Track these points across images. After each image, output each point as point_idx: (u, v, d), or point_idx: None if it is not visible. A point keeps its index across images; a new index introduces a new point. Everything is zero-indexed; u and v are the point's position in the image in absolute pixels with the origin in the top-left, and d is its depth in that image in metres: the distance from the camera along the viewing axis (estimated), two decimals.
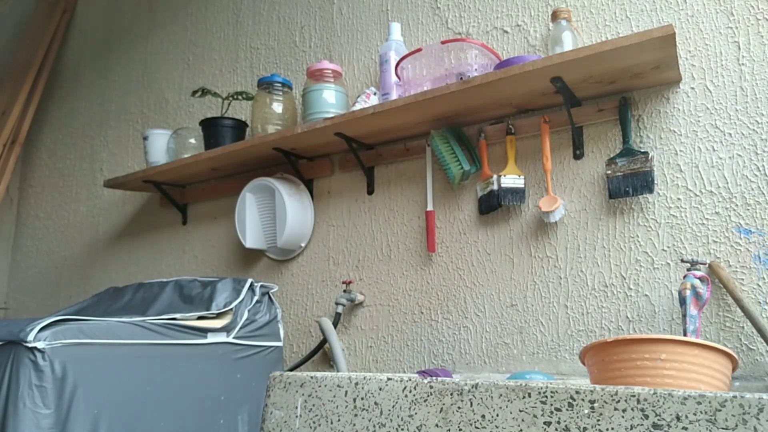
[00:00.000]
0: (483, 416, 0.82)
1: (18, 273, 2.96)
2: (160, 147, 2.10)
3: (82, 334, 1.25)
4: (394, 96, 1.65)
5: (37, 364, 1.17)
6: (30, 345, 1.16)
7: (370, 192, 1.81)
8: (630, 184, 1.36)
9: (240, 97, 1.98)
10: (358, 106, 1.69)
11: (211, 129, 1.95)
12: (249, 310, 1.60)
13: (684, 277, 1.22)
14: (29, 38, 3.00)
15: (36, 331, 1.18)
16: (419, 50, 1.56)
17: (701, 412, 0.69)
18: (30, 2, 3.16)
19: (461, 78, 1.49)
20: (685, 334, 1.17)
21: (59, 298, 2.71)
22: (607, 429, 0.74)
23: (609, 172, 1.39)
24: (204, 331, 1.48)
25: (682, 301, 1.19)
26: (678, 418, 0.71)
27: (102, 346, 1.28)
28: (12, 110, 2.79)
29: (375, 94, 1.73)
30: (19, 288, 2.94)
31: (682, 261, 1.26)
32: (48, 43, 2.96)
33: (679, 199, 1.34)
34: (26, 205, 3.03)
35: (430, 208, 1.65)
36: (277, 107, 1.85)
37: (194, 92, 2.01)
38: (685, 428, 0.70)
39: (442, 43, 1.53)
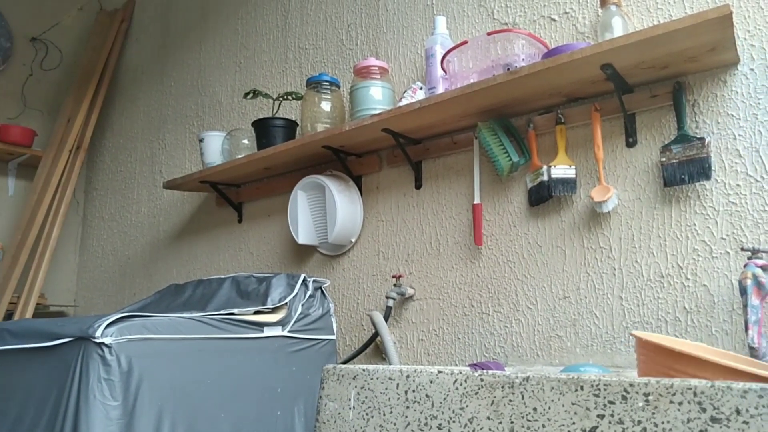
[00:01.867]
0: (535, 409, 0.82)
1: (85, 272, 3.12)
2: (215, 148, 2.17)
3: (146, 330, 1.31)
4: (440, 90, 1.65)
5: (105, 358, 1.23)
6: (98, 341, 1.22)
7: (418, 186, 1.82)
8: (686, 171, 1.31)
9: (290, 98, 2.02)
10: (404, 102, 1.69)
11: (263, 129, 2.00)
12: (303, 305, 1.64)
13: (744, 266, 1.18)
14: (90, 48, 3.14)
15: (103, 328, 1.24)
16: (465, 43, 1.56)
17: (763, 406, 0.67)
18: (91, 14, 3.31)
19: (508, 69, 1.47)
20: (746, 325, 1.13)
21: (124, 295, 2.84)
22: (663, 422, 0.72)
23: (663, 159, 1.35)
24: (260, 326, 1.52)
25: (743, 291, 1.15)
26: (738, 411, 0.69)
27: (165, 341, 1.34)
28: (76, 117, 2.94)
29: (421, 88, 1.73)
30: (86, 286, 3.09)
31: (743, 249, 1.21)
32: (108, 51, 3.09)
33: (738, 185, 1.29)
34: (91, 207, 3.18)
35: (477, 200, 1.64)
36: (326, 106, 1.87)
37: (246, 94, 2.06)
38: (746, 422, 0.68)
39: (488, 34, 1.52)
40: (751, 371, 0.79)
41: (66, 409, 1.20)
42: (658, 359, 0.85)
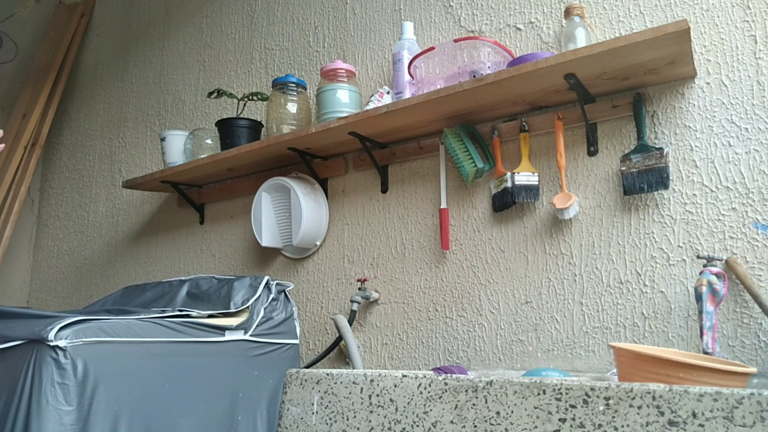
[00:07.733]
0: (498, 413, 0.83)
1: (39, 272, 3.02)
2: (177, 148, 2.13)
3: (102, 333, 1.27)
4: (407, 95, 1.65)
5: (59, 362, 1.18)
6: (52, 344, 1.18)
7: (384, 190, 1.82)
8: (645, 180, 1.35)
9: (255, 98, 2.00)
10: (371, 106, 1.69)
11: (227, 129, 1.97)
12: (265, 308, 1.62)
13: (700, 273, 1.22)
14: (48, 42, 3.04)
15: (57, 330, 1.19)
16: (432, 49, 1.57)
17: (718, 409, 0.69)
18: (49, 7, 3.21)
19: (474, 76, 1.49)
20: (701, 331, 1.17)
21: (80, 296, 2.75)
22: (623, 426, 0.74)
23: (624, 168, 1.38)
24: (221, 329, 1.49)
25: (698, 298, 1.18)
26: (694, 415, 0.71)
27: (122, 344, 1.30)
28: (32, 113, 2.84)
29: (388, 93, 1.73)
30: (40, 287, 2.99)
31: (698, 257, 1.25)
32: (67, 46, 3.00)
33: (694, 194, 1.34)
34: (47, 206, 3.08)
35: (443, 205, 1.66)
36: (292, 107, 1.86)
37: (210, 93, 2.03)
38: (702, 425, 0.70)
39: (455, 41, 1.53)
40: (716, 367, 0.81)
41: (16, 414, 1.15)
42: (636, 365, 0.87)
